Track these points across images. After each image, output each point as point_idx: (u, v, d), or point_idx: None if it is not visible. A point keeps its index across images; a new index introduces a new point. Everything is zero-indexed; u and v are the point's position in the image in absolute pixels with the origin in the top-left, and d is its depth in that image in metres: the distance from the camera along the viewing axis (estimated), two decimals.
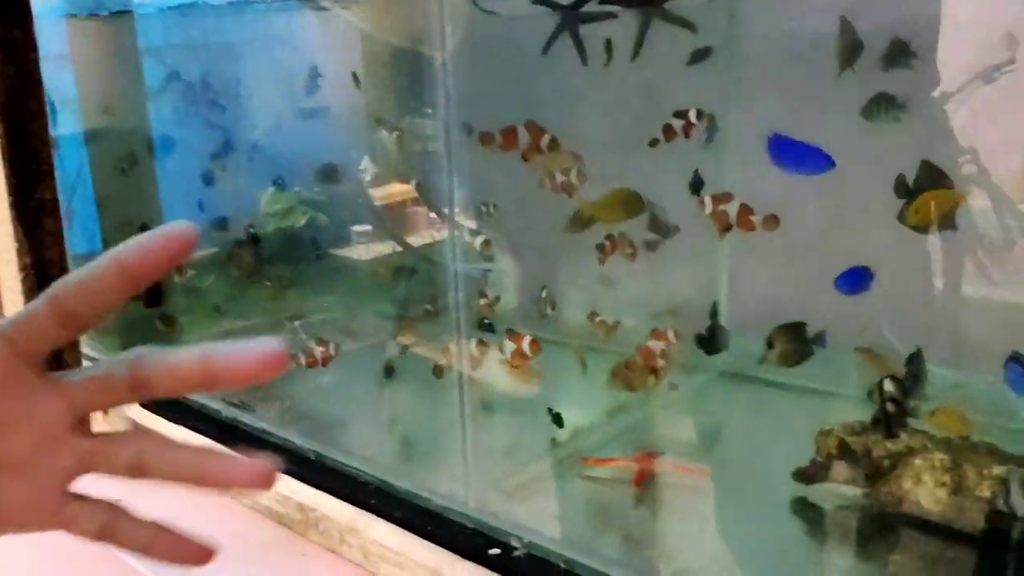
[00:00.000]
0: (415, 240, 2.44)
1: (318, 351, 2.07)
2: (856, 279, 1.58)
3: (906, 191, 1.57)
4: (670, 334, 1.78)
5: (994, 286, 1.89)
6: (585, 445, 1.81)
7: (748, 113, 1.93)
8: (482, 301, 1.80)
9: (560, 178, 1.71)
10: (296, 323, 2.62)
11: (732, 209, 1.59)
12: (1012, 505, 1.31)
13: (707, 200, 1.60)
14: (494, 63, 2.10)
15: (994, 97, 1.68)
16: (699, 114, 1.73)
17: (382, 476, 1.73)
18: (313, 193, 2.68)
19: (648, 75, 1.96)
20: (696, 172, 1.67)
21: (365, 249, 2.56)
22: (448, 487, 1.63)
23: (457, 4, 1.65)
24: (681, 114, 1.72)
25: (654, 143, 1.73)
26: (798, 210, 1.93)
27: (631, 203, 1.86)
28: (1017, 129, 1.73)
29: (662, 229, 1.82)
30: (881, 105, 1.58)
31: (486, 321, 1.75)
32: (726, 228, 1.60)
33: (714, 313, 1.91)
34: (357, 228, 2.58)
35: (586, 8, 1.89)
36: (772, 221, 1.60)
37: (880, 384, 1.40)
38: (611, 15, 1.91)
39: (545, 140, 1.73)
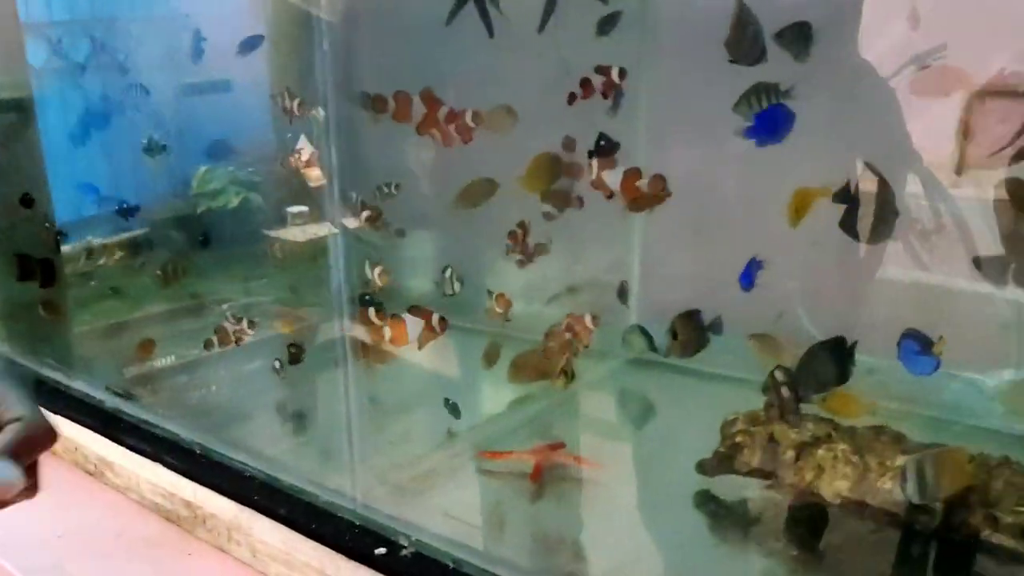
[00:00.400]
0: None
1: (231, 329, 1.95)
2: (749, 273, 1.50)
3: (846, 198, 1.47)
4: (587, 319, 1.69)
5: (915, 269, 1.86)
6: (485, 436, 1.73)
7: (661, 85, 1.86)
8: (377, 270, 1.69)
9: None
10: (224, 306, 2.51)
11: (618, 178, 1.50)
12: (908, 493, 1.26)
13: (594, 163, 1.51)
14: (396, 34, 2.00)
15: (924, 83, 1.64)
16: (622, 73, 1.63)
17: (268, 471, 1.63)
18: (247, 172, 2.56)
19: (559, 46, 1.87)
20: (601, 135, 1.57)
21: (300, 231, 2.45)
22: (336, 482, 1.53)
23: None
24: (603, 70, 1.62)
25: (572, 99, 1.63)
26: (714, 188, 1.87)
27: (552, 166, 1.76)
28: (946, 114, 1.70)
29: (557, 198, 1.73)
30: (760, 95, 1.47)
31: (367, 296, 1.65)
32: (609, 196, 1.51)
33: (622, 293, 1.84)
34: (293, 209, 2.46)
35: None
36: (658, 182, 1.51)
37: (772, 373, 1.34)
38: None
39: (443, 112, 1.62)
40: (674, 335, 1.59)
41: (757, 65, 1.51)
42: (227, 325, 1.88)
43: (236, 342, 1.93)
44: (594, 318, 1.70)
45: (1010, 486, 1.33)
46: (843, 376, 1.38)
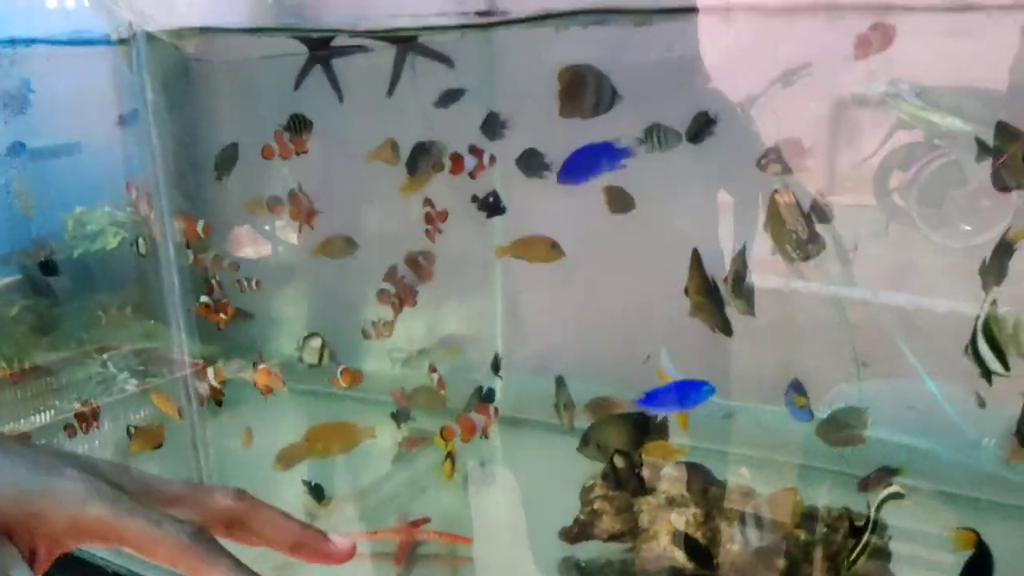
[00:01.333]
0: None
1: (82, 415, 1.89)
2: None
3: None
4: (491, 411, 1.68)
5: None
6: (346, 516, 1.70)
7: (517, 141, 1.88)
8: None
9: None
10: (105, 355, 2.42)
11: None
12: (747, 539, 1.32)
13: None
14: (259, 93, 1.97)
15: (792, 98, 1.69)
16: (492, 159, 1.68)
17: (129, 567, 1.58)
18: (127, 212, 2.46)
19: (419, 107, 1.87)
20: (491, 193, 1.64)
21: None
22: None
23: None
24: (476, 152, 1.66)
25: (438, 167, 1.66)
26: (574, 242, 1.89)
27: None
28: (815, 126, 1.75)
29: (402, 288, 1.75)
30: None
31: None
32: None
33: (495, 365, 1.85)
34: None
35: (337, 42, 1.78)
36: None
37: (611, 460, 1.40)
38: (364, 48, 1.81)
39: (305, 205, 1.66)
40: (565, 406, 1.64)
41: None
42: (78, 409, 1.82)
43: (86, 430, 1.87)
44: (496, 410, 1.70)
45: (849, 539, 1.39)
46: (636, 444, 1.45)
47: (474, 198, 1.71)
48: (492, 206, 1.75)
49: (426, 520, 1.62)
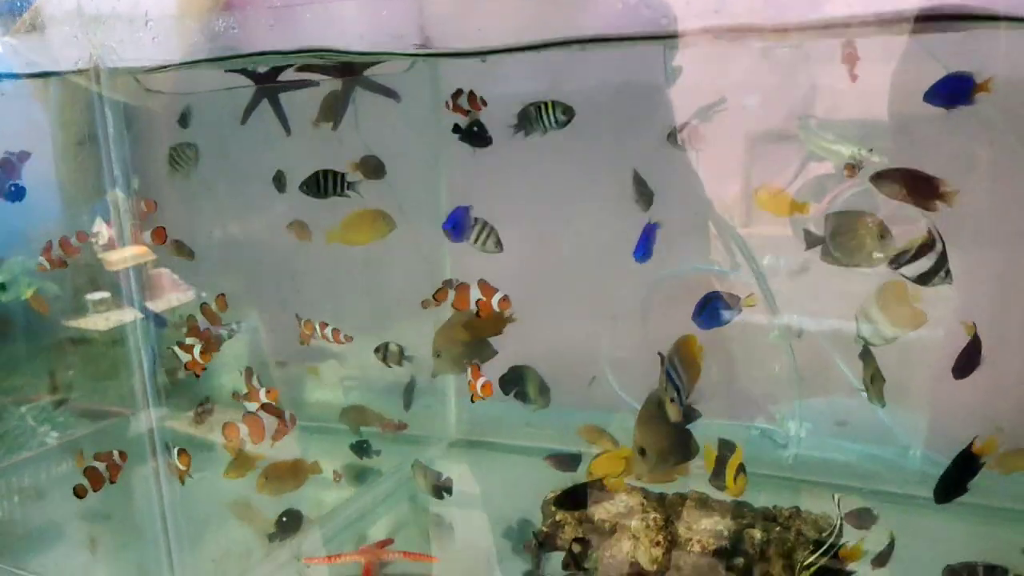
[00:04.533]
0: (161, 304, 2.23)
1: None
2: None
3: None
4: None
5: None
6: (308, 541, 1.68)
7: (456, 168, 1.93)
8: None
9: None
10: (23, 408, 2.34)
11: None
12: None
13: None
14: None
15: (710, 132, 1.76)
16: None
17: None
18: (41, 261, 2.40)
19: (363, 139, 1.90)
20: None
21: (103, 319, 2.31)
22: None
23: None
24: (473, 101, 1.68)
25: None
26: (515, 266, 1.94)
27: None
28: (733, 160, 1.84)
29: None
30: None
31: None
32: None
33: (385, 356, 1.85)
34: (94, 296, 2.32)
35: (284, 76, 1.81)
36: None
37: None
38: (311, 83, 1.84)
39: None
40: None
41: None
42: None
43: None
44: None
45: (801, 536, 1.46)
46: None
47: (455, 128, 1.69)
48: (477, 135, 1.71)
49: (389, 541, 1.62)
